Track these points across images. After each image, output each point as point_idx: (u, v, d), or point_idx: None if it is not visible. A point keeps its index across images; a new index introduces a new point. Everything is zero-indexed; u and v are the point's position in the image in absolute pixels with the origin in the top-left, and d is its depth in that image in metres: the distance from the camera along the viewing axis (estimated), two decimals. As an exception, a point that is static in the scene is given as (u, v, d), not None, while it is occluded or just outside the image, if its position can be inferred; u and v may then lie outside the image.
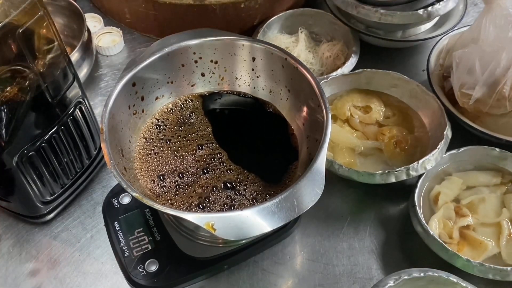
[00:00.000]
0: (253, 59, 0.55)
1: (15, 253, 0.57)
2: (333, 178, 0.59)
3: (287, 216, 0.40)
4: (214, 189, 0.49)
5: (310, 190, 0.41)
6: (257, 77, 0.56)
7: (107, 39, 0.79)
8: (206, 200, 0.48)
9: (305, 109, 0.52)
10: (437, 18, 0.75)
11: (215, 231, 0.38)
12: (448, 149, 0.59)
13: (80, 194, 0.61)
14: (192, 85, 0.56)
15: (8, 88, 0.45)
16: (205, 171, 0.50)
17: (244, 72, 0.56)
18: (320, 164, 0.43)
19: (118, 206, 0.56)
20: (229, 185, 0.49)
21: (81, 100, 0.56)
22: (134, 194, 0.41)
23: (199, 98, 0.57)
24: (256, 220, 0.39)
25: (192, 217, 0.39)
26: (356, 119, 0.65)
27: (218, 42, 0.54)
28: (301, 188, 0.41)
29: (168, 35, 0.54)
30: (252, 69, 0.56)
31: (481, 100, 0.60)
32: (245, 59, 0.55)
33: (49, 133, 0.52)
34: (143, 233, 0.54)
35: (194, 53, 0.54)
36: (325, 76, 0.67)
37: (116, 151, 0.47)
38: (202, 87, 0.57)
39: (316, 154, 0.43)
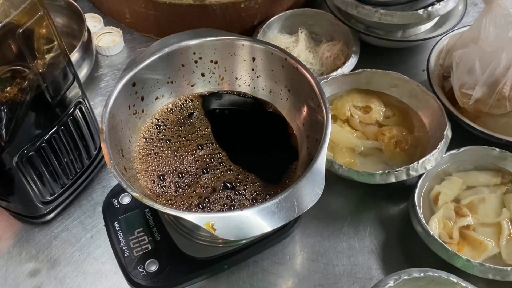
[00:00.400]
0: (253, 59, 0.55)
1: (15, 253, 0.57)
2: (333, 178, 0.59)
3: (287, 216, 0.40)
4: (214, 189, 0.49)
5: (310, 190, 0.41)
6: (257, 77, 0.56)
7: (107, 39, 0.79)
8: (206, 200, 0.48)
9: (305, 109, 0.52)
10: (437, 18, 0.75)
11: (215, 231, 0.38)
12: (448, 149, 0.59)
13: (80, 194, 0.61)
14: (192, 85, 0.56)
15: (8, 88, 0.45)
16: (205, 171, 0.50)
17: (244, 72, 0.56)
18: (320, 164, 0.43)
19: (118, 206, 0.56)
20: (229, 185, 0.49)
21: (81, 100, 0.56)
22: (134, 194, 0.41)
23: (199, 98, 0.57)
24: (256, 220, 0.39)
25: (192, 217, 0.39)
26: (356, 119, 0.65)
27: (218, 42, 0.54)
28: (301, 188, 0.41)
29: (168, 35, 0.54)
30: (252, 69, 0.55)
31: (481, 100, 0.60)
32: (245, 59, 0.55)
33: (49, 133, 0.52)
34: (143, 233, 0.54)
35: (194, 53, 0.54)
36: (325, 76, 0.67)
37: (116, 151, 0.47)
38: (202, 87, 0.57)
39: (316, 154, 0.43)
